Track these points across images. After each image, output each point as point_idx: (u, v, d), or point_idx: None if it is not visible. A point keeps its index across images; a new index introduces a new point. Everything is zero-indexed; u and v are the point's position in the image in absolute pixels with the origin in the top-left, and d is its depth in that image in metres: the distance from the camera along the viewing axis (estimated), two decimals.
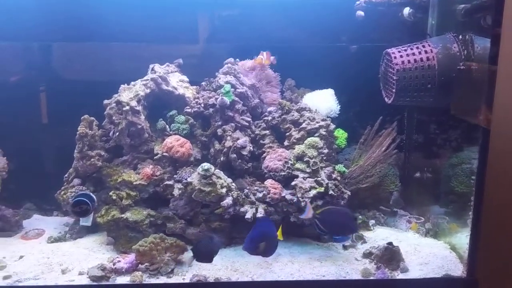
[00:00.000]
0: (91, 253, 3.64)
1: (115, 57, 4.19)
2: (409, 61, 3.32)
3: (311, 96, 3.86)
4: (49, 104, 4.21)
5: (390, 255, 3.31)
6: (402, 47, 3.41)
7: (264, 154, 3.60)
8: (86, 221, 3.19)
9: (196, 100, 3.64)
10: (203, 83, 3.91)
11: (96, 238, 3.85)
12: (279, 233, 3.14)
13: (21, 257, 3.54)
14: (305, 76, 4.16)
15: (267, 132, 3.73)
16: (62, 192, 3.80)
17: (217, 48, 4.30)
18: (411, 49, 3.37)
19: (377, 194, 3.95)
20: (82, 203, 2.95)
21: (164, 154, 3.47)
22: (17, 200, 4.22)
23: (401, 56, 3.35)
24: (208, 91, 3.84)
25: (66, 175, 3.87)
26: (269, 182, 3.38)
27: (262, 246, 3.02)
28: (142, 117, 3.57)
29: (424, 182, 4.09)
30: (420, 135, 4.17)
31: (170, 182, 3.45)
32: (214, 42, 4.23)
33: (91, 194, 3.24)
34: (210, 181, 3.31)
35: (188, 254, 3.39)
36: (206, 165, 3.33)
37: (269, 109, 3.77)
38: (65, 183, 3.90)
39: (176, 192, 3.40)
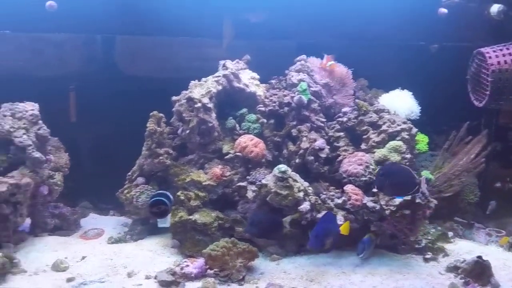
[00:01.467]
0: (156, 256, 3.49)
1: (179, 52, 4.08)
2: (505, 62, 3.08)
3: (389, 97, 3.64)
4: (108, 100, 4.09)
5: (480, 270, 3.06)
6: (497, 46, 3.17)
7: (340, 158, 3.40)
8: (164, 222, 3.03)
9: (271, 98, 3.46)
10: (272, 81, 3.74)
11: (158, 240, 3.69)
12: (344, 227, 2.98)
13: (83, 257, 3.41)
14: (378, 76, 3.97)
15: (341, 134, 3.52)
16: (125, 191, 3.67)
17: (283, 45, 4.14)
18: (507, 48, 3.13)
19: (455, 204, 3.70)
20: (160, 204, 2.79)
21: (237, 154, 3.30)
22: (73, 198, 4.11)
23: (496, 56, 3.11)
24: (277, 89, 3.67)
25: (129, 173, 3.73)
26: (349, 188, 3.17)
27: (329, 243, 2.89)
28: (213, 115, 3.41)
29: (505, 192, 3.83)
30: (500, 142, 3.93)
31: (244, 184, 3.28)
32: (281, 39, 4.08)
33: (168, 193, 3.10)
34: (287, 184, 3.12)
35: None
36: (283, 166, 3.14)
37: (344, 109, 3.57)
38: (127, 182, 3.78)
39: (250, 194, 3.22)
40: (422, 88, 3.85)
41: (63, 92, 3.94)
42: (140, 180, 3.66)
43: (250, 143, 3.29)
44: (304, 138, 3.33)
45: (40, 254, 3.48)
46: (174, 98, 3.56)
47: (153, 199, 2.79)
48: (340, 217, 3.11)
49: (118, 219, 4.33)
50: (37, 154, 3.33)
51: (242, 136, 3.39)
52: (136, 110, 3.97)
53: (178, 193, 3.44)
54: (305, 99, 3.37)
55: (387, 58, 3.91)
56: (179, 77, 3.97)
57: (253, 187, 3.24)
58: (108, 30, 3.93)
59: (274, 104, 3.44)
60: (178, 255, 3.51)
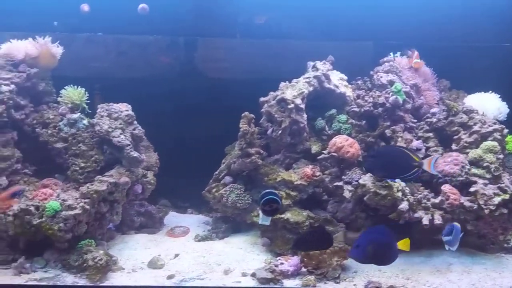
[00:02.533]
0: (246, 254, 3.54)
1: (260, 54, 4.14)
2: None
3: (475, 98, 3.65)
4: (187, 100, 4.19)
5: None
6: None
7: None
8: (265, 220, 3.09)
9: (366, 99, 3.50)
10: (358, 81, 3.78)
11: (246, 238, 3.75)
12: (402, 243, 2.80)
13: (176, 255, 3.48)
14: (459, 77, 3.97)
15: (430, 134, 3.54)
16: (213, 190, 3.75)
17: (359, 46, 4.17)
18: None
19: None
20: (272, 202, 2.85)
21: (332, 154, 3.34)
22: (153, 197, 4.19)
23: None
24: (363, 90, 3.71)
25: (216, 173, 3.81)
26: (447, 188, 3.18)
27: (370, 251, 2.71)
28: (305, 115, 3.45)
29: None
30: None
31: (340, 183, 3.32)
32: (362, 40, 4.12)
33: (276, 192, 3.15)
34: (386, 184, 3.16)
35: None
36: None
37: (432, 110, 3.58)
38: (212, 181, 3.86)
39: (346, 194, 3.26)
40: (506, 89, 3.85)
41: (147, 93, 4.03)
42: (228, 179, 3.73)
43: (346, 143, 3.33)
44: (399, 139, 3.36)
45: (134, 251, 3.57)
46: (262, 99, 3.62)
47: (266, 198, 2.85)
48: (437, 216, 3.13)
49: (197, 217, 4.43)
50: (135, 154, 3.42)
51: (337, 136, 3.43)
52: (214, 111, 4.09)
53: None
54: (400, 99, 3.40)
55: (468, 60, 3.91)
56: (259, 78, 4.09)
57: (349, 187, 3.29)
58: (191, 32, 4.02)
59: (369, 105, 3.48)
60: (268, 253, 3.56)
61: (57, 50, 3.43)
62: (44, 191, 3.24)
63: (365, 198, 3.22)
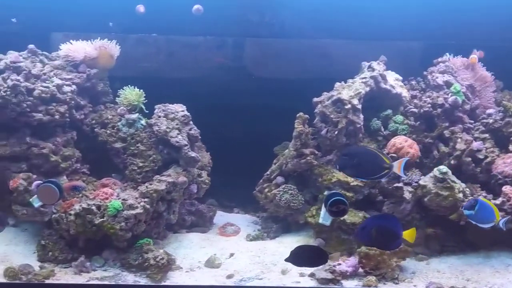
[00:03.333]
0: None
1: (309, 54, 4.15)
2: None
3: None
4: (236, 101, 4.19)
5: None
6: None
7: (488, 159, 3.41)
8: (326, 220, 3.10)
9: (425, 99, 3.49)
10: (412, 82, 3.77)
11: (298, 238, 3.75)
12: (408, 234, 2.78)
13: (231, 255, 3.50)
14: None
15: (486, 135, 3.51)
16: (266, 190, 3.76)
17: (410, 46, 4.16)
18: None
19: None
20: (340, 203, 2.86)
21: (392, 155, 3.34)
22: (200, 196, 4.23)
23: None
24: (417, 91, 3.70)
25: (267, 173, 3.82)
26: (508, 189, 3.16)
27: (374, 233, 2.73)
28: (361, 116, 3.45)
29: None
30: None
31: (400, 184, 3.32)
32: (409, 40, 4.10)
33: (342, 194, 3.17)
34: (448, 185, 3.14)
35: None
36: (444, 168, 3.16)
37: (488, 111, 3.56)
38: (263, 181, 3.87)
39: (406, 195, 3.26)
40: None
41: (195, 93, 4.04)
42: (280, 179, 3.73)
43: (405, 144, 3.31)
44: (459, 140, 3.35)
45: (189, 250, 3.59)
46: (315, 99, 3.62)
47: (333, 199, 2.86)
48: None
49: (244, 216, 4.43)
50: (192, 154, 3.44)
51: (396, 137, 3.41)
52: (261, 111, 4.10)
53: (325, 193, 3.51)
54: (460, 100, 3.39)
55: None
56: (307, 79, 4.09)
57: (409, 188, 3.29)
58: (241, 32, 4.04)
59: (428, 106, 3.47)
60: None
61: (115, 51, 3.48)
62: (105, 191, 3.28)
63: (425, 199, 3.21)
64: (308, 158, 3.50)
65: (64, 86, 3.28)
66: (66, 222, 3.21)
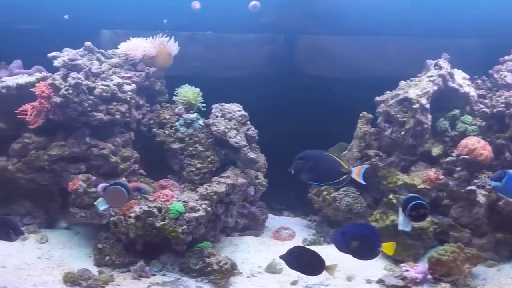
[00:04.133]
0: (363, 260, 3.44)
1: (364, 51, 4.02)
2: None
3: None
4: (290, 99, 4.06)
5: None
6: None
7: None
8: (406, 226, 2.96)
9: (498, 99, 3.34)
10: (477, 81, 3.62)
11: None
12: (387, 246, 2.65)
13: None
14: None
15: None
16: (324, 192, 3.64)
17: (475, 44, 4.01)
18: None
19: None
20: (420, 207, 2.73)
21: (464, 156, 3.20)
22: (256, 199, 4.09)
23: None
24: (483, 90, 3.56)
25: None
26: None
27: (355, 244, 2.59)
28: (429, 116, 3.31)
29: None
30: None
31: (473, 187, 3.17)
32: (462, 38, 3.96)
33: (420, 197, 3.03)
34: None
35: None
36: None
37: None
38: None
39: (480, 198, 3.12)
40: None
41: (247, 92, 3.92)
42: None
43: (478, 145, 3.17)
44: None
45: (247, 254, 3.48)
46: (378, 98, 3.49)
47: (414, 202, 2.73)
48: None
49: (294, 219, 4.31)
50: (252, 155, 3.33)
51: (468, 138, 3.27)
52: (314, 111, 3.97)
53: (390, 196, 3.37)
54: None
55: None
56: (362, 77, 3.95)
57: (483, 191, 3.15)
58: (297, 29, 3.93)
59: (502, 105, 3.32)
60: (385, 259, 3.43)
61: (174, 49, 3.37)
62: (165, 193, 3.17)
63: (500, 203, 3.07)
64: (373, 159, 3.37)
65: (124, 84, 3.18)
66: (125, 225, 3.11)
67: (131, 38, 3.52)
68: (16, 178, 3.29)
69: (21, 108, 3.03)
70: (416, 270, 3.14)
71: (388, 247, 2.63)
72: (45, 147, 3.19)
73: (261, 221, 3.87)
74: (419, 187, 3.31)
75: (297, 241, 3.73)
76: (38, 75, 3.21)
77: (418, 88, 3.33)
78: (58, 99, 2.95)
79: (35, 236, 3.35)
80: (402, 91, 3.37)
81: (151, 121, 3.42)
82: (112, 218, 3.15)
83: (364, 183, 2.81)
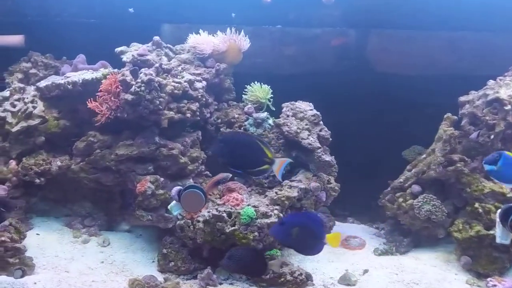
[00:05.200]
0: (444, 272, 3.14)
1: (443, 48, 3.76)
2: None
3: None
4: (358, 98, 3.81)
5: None
6: None
7: None
8: (505, 238, 2.71)
9: None
10: None
11: (436, 255, 3.33)
12: (332, 237, 2.41)
13: (365, 271, 3.14)
14: None
15: None
16: (400, 199, 3.39)
17: None
18: None
19: None
20: None
21: None
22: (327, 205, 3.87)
23: None
24: None
25: (400, 180, 3.44)
26: None
27: (294, 234, 2.33)
28: None
29: None
30: None
31: None
32: None
33: None
34: None
35: None
36: None
37: None
38: (391, 189, 3.50)
39: None
40: None
41: (311, 89, 3.71)
42: (416, 188, 3.34)
43: None
44: None
45: (317, 264, 3.25)
46: (462, 98, 3.23)
47: None
48: None
49: (360, 227, 4.07)
50: (327, 158, 3.12)
51: None
52: (384, 111, 3.74)
53: (476, 205, 3.09)
54: None
55: None
56: (438, 75, 3.70)
57: None
58: (373, 24, 3.70)
59: None
60: (466, 273, 3.16)
61: (245, 44, 3.19)
62: (235, 196, 2.98)
63: None
64: (458, 165, 3.11)
65: (196, 81, 3.01)
66: (192, 230, 2.95)
67: (193, 33, 3.36)
68: (79, 178, 3.18)
69: (90, 105, 2.91)
70: (504, 285, 2.88)
71: (332, 238, 2.40)
72: (110, 146, 3.06)
73: (327, 229, 3.65)
74: (508, 195, 3.04)
75: (368, 250, 3.49)
76: (104, 70, 3.08)
77: (510, 88, 3.05)
78: (129, 96, 2.79)
79: (97, 239, 3.23)
80: (491, 91, 3.09)
81: (219, 120, 3.23)
82: (178, 222, 2.99)
83: (280, 179, 2.58)
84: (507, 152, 2.50)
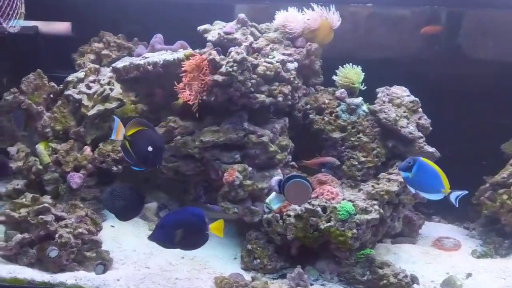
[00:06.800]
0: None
1: None
2: None
3: None
4: (451, 85, 3.47)
5: None
6: None
7: None
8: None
9: None
10: None
11: None
12: (215, 226, 2.31)
13: (468, 275, 2.84)
14: None
15: None
16: (505, 196, 3.06)
17: None
18: None
19: None
20: None
21: None
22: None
23: None
24: None
25: (503, 176, 3.10)
26: None
27: (177, 234, 2.22)
28: None
29: None
30: None
31: None
32: None
33: None
34: None
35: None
36: None
37: None
38: (490, 185, 3.17)
39: None
40: None
41: (401, 75, 3.41)
42: None
43: None
44: None
45: (412, 265, 2.91)
46: None
47: None
48: None
49: (449, 226, 3.71)
50: (430, 149, 2.81)
51: None
52: (481, 100, 3.39)
53: None
54: None
55: None
56: None
57: None
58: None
59: None
60: None
61: (336, 22, 2.91)
62: (329, 189, 2.71)
63: None
64: None
65: (288, 63, 2.75)
66: (282, 225, 2.70)
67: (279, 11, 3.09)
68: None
69: (177, 87, 2.65)
70: None
71: (216, 228, 2.32)
72: (192, 133, 2.82)
73: (417, 227, 3.34)
74: None
75: (464, 252, 3.16)
76: (185, 51, 2.84)
77: None
78: (219, 77, 2.54)
79: None
80: None
81: (308, 106, 2.95)
82: (265, 216, 2.74)
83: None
84: (423, 159, 2.24)
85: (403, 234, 3.33)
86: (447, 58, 3.45)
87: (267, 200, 2.38)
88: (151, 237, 2.31)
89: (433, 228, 3.60)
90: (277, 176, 2.77)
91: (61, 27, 3.72)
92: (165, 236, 2.26)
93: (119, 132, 2.23)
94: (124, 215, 2.45)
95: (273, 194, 2.34)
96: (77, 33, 3.56)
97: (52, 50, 3.68)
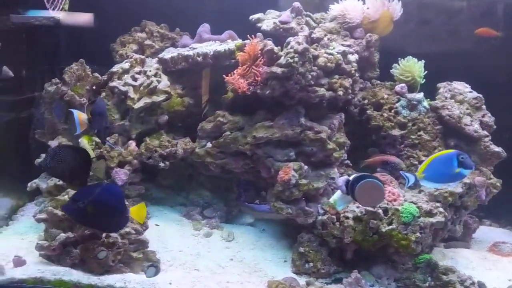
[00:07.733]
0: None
1: None
2: None
3: None
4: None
5: None
6: None
7: None
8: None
9: None
10: None
11: None
12: (136, 210, 2.19)
13: None
14: None
15: None
16: None
17: None
18: None
19: None
20: None
21: None
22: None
23: None
24: None
25: None
26: None
27: (90, 209, 2.05)
28: None
29: None
30: None
31: None
32: None
33: None
34: None
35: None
36: None
37: None
38: None
39: None
40: None
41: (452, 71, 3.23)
42: None
43: None
44: None
45: (472, 271, 2.73)
46: None
47: None
48: None
49: (501, 230, 3.56)
50: (496, 148, 2.65)
51: None
52: None
53: None
54: None
55: None
56: None
57: None
58: None
59: None
60: None
61: (398, 12, 2.74)
62: (391, 190, 2.55)
63: None
64: None
65: (349, 54, 2.58)
66: (339, 227, 2.55)
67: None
68: (202, 163, 2.82)
69: (228, 79, 2.51)
70: None
71: (136, 212, 2.20)
72: (242, 128, 2.67)
73: (471, 231, 3.18)
74: None
75: None
76: (235, 42, 2.70)
77: None
78: (278, 69, 2.37)
79: (220, 232, 2.86)
80: None
81: (365, 101, 2.79)
82: (320, 218, 2.60)
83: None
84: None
85: (455, 237, 3.20)
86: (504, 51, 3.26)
87: (331, 200, 2.22)
88: (62, 208, 2.23)
89: (485, 232, 3.44)
90: (334, 175, 2.63)
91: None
92: (77, 211, 2.11)
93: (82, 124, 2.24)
94: (69, 179, 2.29)
95: (339, 194, 2.18)
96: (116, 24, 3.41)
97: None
